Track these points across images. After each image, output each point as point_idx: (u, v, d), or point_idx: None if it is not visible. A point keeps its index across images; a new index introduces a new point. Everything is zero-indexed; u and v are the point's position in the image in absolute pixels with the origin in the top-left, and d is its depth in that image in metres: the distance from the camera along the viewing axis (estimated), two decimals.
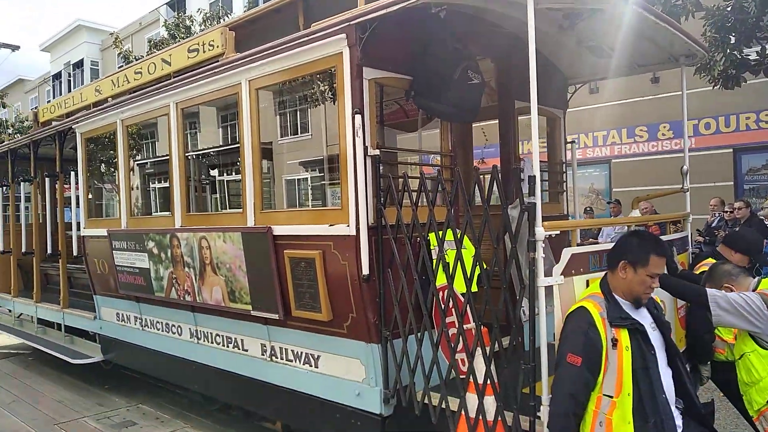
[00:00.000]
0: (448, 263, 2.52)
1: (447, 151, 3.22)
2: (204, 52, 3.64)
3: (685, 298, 2.69)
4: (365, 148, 2.68)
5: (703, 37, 6.58)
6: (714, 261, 2.93)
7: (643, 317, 2.12)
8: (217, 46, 3.52)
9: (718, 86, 6.90)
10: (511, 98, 3.78)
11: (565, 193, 4.21)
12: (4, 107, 27.02)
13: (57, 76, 30.27)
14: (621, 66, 3.77)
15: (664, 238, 3.20)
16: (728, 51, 6.44)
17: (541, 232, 2.22)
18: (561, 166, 4.20)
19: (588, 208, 9.47)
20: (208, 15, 13.16)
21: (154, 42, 13.92)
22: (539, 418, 2.22)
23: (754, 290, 2.50)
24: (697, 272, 2.95)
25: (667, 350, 2.16)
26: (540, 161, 2.32)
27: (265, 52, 3.07)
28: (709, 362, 3.01)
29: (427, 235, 2.61)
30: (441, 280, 2.56)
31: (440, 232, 2.55)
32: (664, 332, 2.17)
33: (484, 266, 2.46)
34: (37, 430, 4.27)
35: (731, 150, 9.79)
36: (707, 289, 2.50)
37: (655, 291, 2.28)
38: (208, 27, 11.86)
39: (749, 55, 6.73)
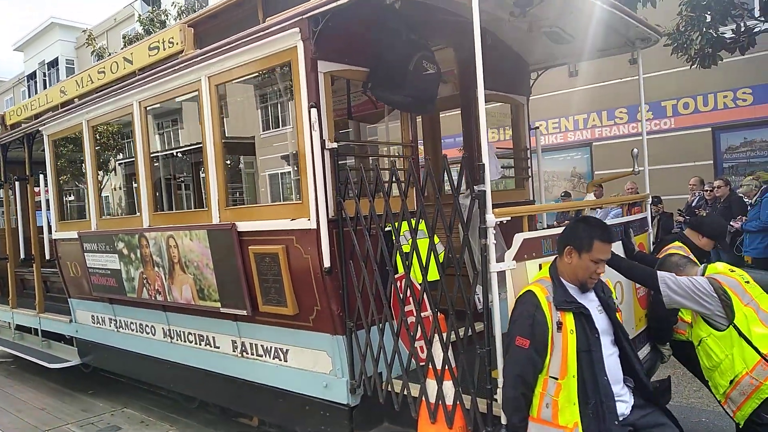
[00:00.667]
0: (406, 253, 2.58)
1: (408, 141, 3.27)
2: (164, 49, 3.64)
3: (636, 280, 2.79)
4: (322, 142, 2.72)
5: (679, 15, 6.64)
6: (680, 245, 3.05)
7: (590, 301, 2.20)
8: (177, 43, 3.52)
9: (695, 65, 6.98)
10: (472, 87, 3.82)
11: (530, 178, 4.28)
12: None
13: (32, 76, 29.71)
14: (581, 51, 3.83)
15: (622, 219, 3.30)
16: (704, 29, 6.45)
17: (491, 218, 2.29)
18: (525, 152, 4.26)
19: (564, 193, 9.59)
20: (183, 9, 13.05)
21: (129, 38, 13.84)
22: (496, 400, 2.31)
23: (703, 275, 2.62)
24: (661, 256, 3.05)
25: (614, 332, 2.24)
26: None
27: (221, 48, 3.09)
28: (668, 342, 3.12)
29: (385, 227, 2.66)
30: (400, 270, 2.62)
31: (396, 224, 2.61)
32: (610, 315, 2.26)
33: (440, 255, 2.52)
34: None
35: (710, 129, 9.93)
36: (658, 271, 2.60)
37: (608, 273, 2.38)
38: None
39: (725, 33, 6.78)
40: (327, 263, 2.71)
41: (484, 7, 3.09)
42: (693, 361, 2.82)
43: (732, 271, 2.65)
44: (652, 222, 8.20)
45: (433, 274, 2.49)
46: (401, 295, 2.58)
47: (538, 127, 4.37)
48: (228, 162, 3.49)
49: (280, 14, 2.84)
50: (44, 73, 28.41)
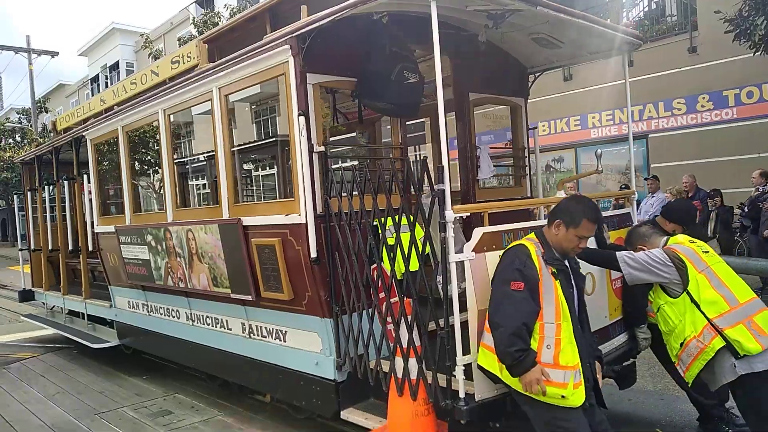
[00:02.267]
0: (391, 246, 2.94)
1: (397, 143, 3.64)
2: (183, 63, 4.20)
3: (598, 263, 3.07)
4: (310, 146, 3.15)
5: (742, 0, 6.48)
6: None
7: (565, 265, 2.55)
8: (193, 58, 4.06)
9: (760, 52, 6.76)
10: (465, 91, 4.14)
11: (528, 176, 4.53)
12: (46, 112, 28.96)
13: (95, 79, 32.05)
14: (574, 55, 4.06)
15: (604, 214, 3.53)
16: None
17: (450, 215, 2.63)
18: (523, 152, 4.52)
19: (625, 186, 9.48)
20: (235, 10, 13.53)
21: (184, 40, 14.64)
22: (454, 376, 2.65)
23: (663, 247, 2.90)
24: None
25: (579, 298, 2.58)
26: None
27: (227, 63, 3.58)
28: (645, 325, 3.35)
29: (372, 221, 3.03)
30: (386, 261, 2.99)
31: (382, 219, 2.99)
32: (578, 284, 2.59)
33: (413, 249, 2.88)
34: (79, 420, 4.55)
35: None
36: (615, 252, 2.89)
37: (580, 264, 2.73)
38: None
39: None
40: (314, 254, 3.13)
41: (465, 17, 3.43)
42: (659, 341, 3.08)
43: (692, 242, 2.90)
44: (709, 216, 8.09)
45: (414, 265, 2.82)
46: (372, 284, 2.96)
47: (535, 127, 4.61)
48: (236, 165, 3.97)
49: (275, 32, 3.28)
50: (106, 76, 30.61)
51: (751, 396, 2.61)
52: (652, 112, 10.89)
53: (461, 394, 2.62)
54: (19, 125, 27.82)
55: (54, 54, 22.91)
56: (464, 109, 4.18)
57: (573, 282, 2.53)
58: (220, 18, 14.02)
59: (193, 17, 16.84)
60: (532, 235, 2.63)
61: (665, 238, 3.01)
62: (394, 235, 2.91)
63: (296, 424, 3.99)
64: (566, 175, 11.67)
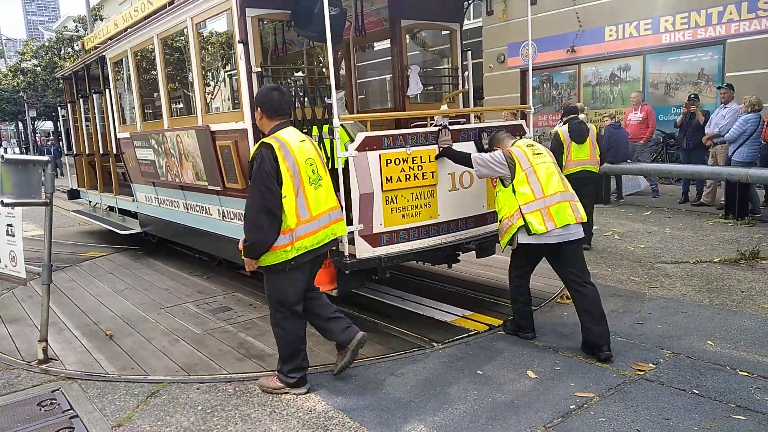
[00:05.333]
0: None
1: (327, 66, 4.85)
2: None
3: (459, 162, 4.28)
4: (248, 68, 4.44)
5: None
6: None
7: None
8: None
9: None
10: (398, 18, 5.23)
11: (460, 93, 5.69)
12: (101, 20, 30.82)
13: None
14: None
15: (476, 126, 4.72)
16: None
17: (336, 121, 3.91)
18: (456, 71, 5.62)
19: (693, 95, 9.43)
20: None
21: None
22: (342, 241, 4.03)
23: (506, 149, 4.04)
24: None
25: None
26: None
27: None
28: None
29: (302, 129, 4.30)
30: None
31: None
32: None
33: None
34: (146, 314, 5.14)
35: None
36: (471, 153, 4.12)
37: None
38: None
39: None
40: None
41: None
42: None
43: (529, 146, 3.96)
44: None
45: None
46: None
47: (470, 50, 5.63)
48: (205, 82, 5.34)
49: None
50: None
51: (561, 262, 3.85)
52: (732, 14, 10.37)
53: (346, 253, 4.05)
54: (76, 34, 29.56)
55: None
56: (396, 34, 5.30)
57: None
58: None
59: None
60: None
61: (512, 141, 4.16)
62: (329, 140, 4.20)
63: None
64: (633, 87, 11.73)
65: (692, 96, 9.50)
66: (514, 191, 3.87)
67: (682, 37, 11.34)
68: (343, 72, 6.17)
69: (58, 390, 3.65)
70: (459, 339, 4.20)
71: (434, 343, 4.14)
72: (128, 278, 6.50)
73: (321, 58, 6.01)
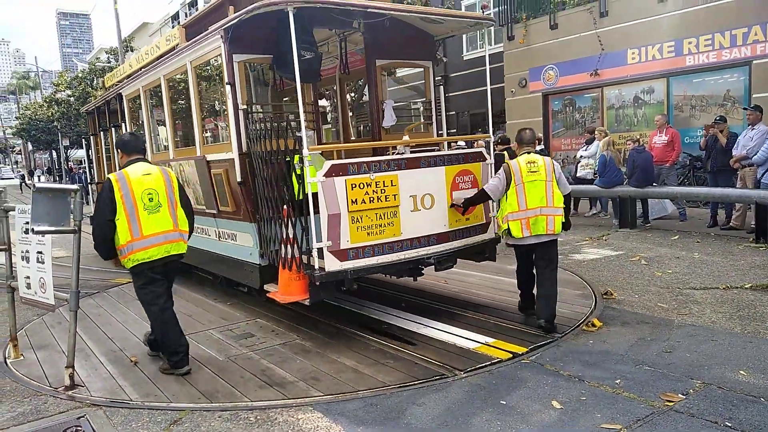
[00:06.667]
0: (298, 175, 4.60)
1: (309, 102, 5.31)
2: (172, 42, 6.17)
3: (481, 202, 5.16)
4: (235, 105, 4.93)
5: None
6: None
7: None
8: (176, 38, 5.98)
9: None
10: (373, 59, 5.72)
11: (434, 123, 6.15)
12: (131, 51, 33.19)
13: (175, 17, 35.56)
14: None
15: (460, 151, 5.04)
16: None
17: (305, 152, 4.30)
18: (430, 105, 6.05)
19: (720, 117, 9.39)
20: None
21: None
22: (309, 254, 4.44)
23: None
24: None
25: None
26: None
27: (190, 45, 5.43)
28: None
29: (283, 159, 4.69)
30: (295, 186, 4.66)
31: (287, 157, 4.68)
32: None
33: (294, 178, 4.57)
34: None
35: None
36: (484, 187, 4.99)
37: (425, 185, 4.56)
38: None
39: None
40: (239, 178, 5.00)
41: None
42: None
43: (528, 162, 4.72)
44: None
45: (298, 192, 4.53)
46: (271, 201, 4.75)
47: (443, 84, 6.12)
48: (203, 118, 5.90)
49: (215, 24, 5.01)
50: (185, 14, 33.72)
51: (537, 254, 4.81)
52: (758, 35, 10.50)
53: (316, 267, 4.40)
54: (108, 65, 31.60)
55: None
56: (372, 73, 5.76)
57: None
58: None
59: None
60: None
61: (523, 151, 4.86)
62: (300, 168, 4.60)
63: (370, 350, 4.67)
64: (657, 109, 11.83)
65: (718, 118, 9.43)
66: (506, 198, 4.77)
67: (706, 59, 11.36)
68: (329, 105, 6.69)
69: (83, 417, 3.74)
70: (482, 367, 4.18)
71: (457, 372, 4.13)
72: None
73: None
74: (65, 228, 4.15)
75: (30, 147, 51.14)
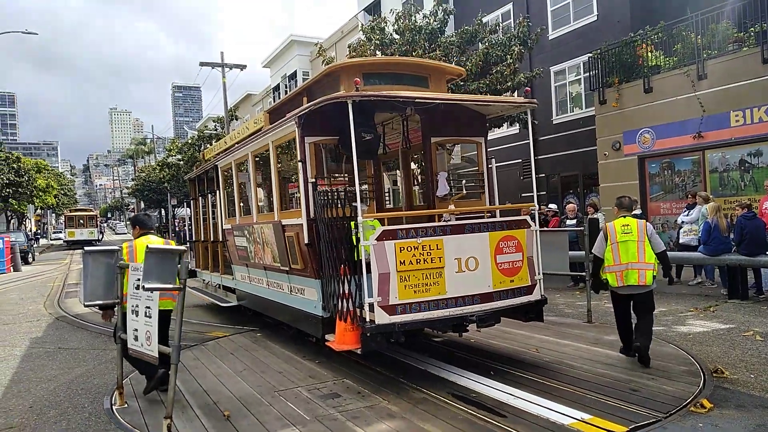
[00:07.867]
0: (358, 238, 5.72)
1: (370, 175, 6.42)
2: (258, 125, 7.62)
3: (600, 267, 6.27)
4: (305, 178, 6.14)
5: None
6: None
7: None
8: (261, 122, 7.43)
9: None
10: (428, 136, 6.79)
11: (485, 192, 7.05)
12: (236, 119, 36.52)
13: (276, 89, 38.34)
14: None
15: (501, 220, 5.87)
16: None
17: (360, 219, 5.35)
18: (482, 176, 6.93)
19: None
20: (400, 14, 15.31)
21: (353, 47, 16.62)
22: (362, 307, 5.37)
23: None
24: None
25: None
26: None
27: (272, 127, 6.80)
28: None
29: (343, 224, 5.82)
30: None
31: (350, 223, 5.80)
32: None
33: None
34: (261, 396, 5.47)
35: None
36: (594, 254, 6.29)
37: (472, 248, 5.32)
38: (400, 25, 15.05)
39: None
40: (307, 240, 6.13)
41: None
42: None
43: (623, 225, 5.96)
44: None
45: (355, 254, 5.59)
46: (332, 260, 5.81)
47: (493, 158, 6.97)
48: (281, 188, 7.21)
49: (292, 112, 6.35)
50: (286, 86, 36.35)
51: (635, 301, 5.95)
52: None
53: (367, 319, 5.33)
54: (215, 132, 35.09)
55: (243, 67, 28.28)
56: (427, 148, 6.81)
57: None
58: (386, 23, 15.58)
59: (362, 24, 19.01)
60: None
61: (621, 214, 6.14)
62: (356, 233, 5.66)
63: (457, 419, 4.59)
64: (766, 174, 11.81)
65: None
66: (605, 256, 6.03)
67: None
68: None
69: None
70: None
71: None
72: (247, 359, 7.02)
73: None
74: (172, 286, 4.50)
75: (142, 205, 57.18)
